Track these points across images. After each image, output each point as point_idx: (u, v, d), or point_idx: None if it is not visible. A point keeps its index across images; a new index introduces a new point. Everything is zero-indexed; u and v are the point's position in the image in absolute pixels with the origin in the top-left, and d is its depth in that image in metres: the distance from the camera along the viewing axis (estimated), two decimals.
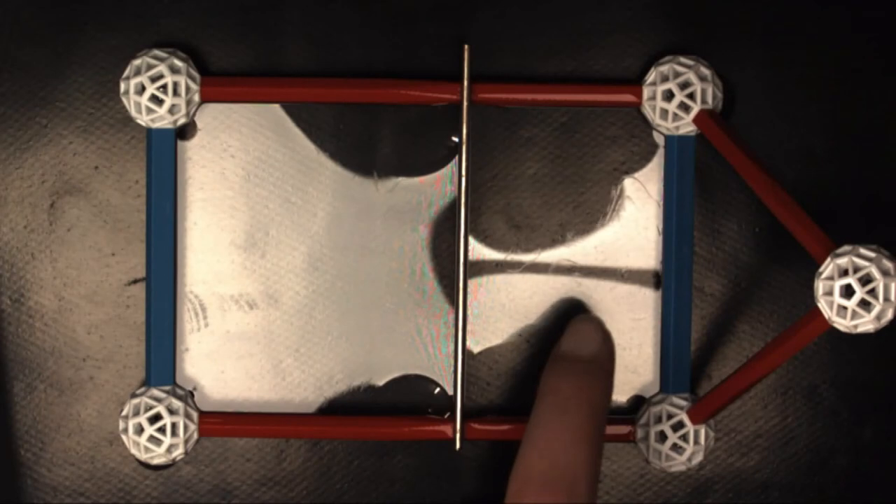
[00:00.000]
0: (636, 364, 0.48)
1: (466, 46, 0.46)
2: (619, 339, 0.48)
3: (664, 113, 0.46)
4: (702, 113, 0.46)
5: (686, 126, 0.47)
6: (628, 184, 0.48)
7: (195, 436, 0.47)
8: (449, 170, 0.47)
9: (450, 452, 0.47)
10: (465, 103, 0.46)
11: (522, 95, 0.47)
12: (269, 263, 0.48)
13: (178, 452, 0.47)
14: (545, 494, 0.41)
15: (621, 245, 0.48)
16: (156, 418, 0.47)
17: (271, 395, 0.48)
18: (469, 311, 0.47)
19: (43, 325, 0.48)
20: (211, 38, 0.47)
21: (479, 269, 0.48)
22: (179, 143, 0.47)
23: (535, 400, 0.43)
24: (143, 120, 0.46)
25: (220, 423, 0.47)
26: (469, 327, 0.47)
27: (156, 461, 0.47)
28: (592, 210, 0.48)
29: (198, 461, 0.48)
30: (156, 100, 0.46)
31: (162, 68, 0.46)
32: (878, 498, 0.48)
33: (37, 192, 0.48)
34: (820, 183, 0.47)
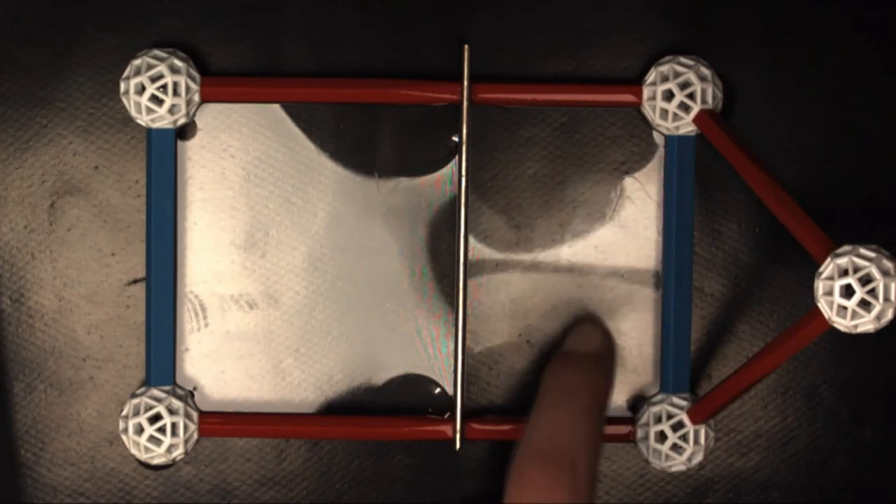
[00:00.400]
0: (636, 364, 0.48)
1: (466, 46, 0.46)
2: (619, 339, 0.48)
3: (664, 113, 0.46)
4: (702, 113, 0.46)
5: (686, 126, 0.46)
6: (628, 184, 0.48)
7: (195, 436, 0.47)
8: (449, 170, 0.47)
9: (450, 452, 0.47)
10: (465, 103, 0.46)
11: (522, 95, 0.47)
12: (269, 263, 0.48)
13: (178, 452, 0.47)
14: (546, 470, 0.41)
15: (621, 245, 0.48)
16: (156, 418, 0.47)
17: (271, 395, 0.48)
18: (469, 311, 0.47)
19: (43, 325, 0.48)
20: (211, 38, 0.47)
21: (479, 269, 0.48)
22: (179, 143, 0.47)
23: (538, 390, 0.44)
24: (143, 120, 0.46)
25: (220, 423, 0.47)
26: (469, 327, 0.47)
27: (156, 461, 0.47)
28: (592, 210, 0.48)
29: (198, 461, 0.48)
30: (156, 100, 0.46)
31: (162, 68, 0.46)
32: (878, 498, 0.48)
33: (37, 192, 0.48)
34: (820, 183, 0.47)
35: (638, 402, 0.48)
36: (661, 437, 0.47)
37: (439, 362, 0.48)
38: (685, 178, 0.47)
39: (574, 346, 0.46)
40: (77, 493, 0.48)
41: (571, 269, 0.48)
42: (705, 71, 0.46)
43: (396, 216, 0.48)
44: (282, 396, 0.48)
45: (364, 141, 0.48)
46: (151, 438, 0.47)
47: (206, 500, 0.48)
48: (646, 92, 0.47)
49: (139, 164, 0.47)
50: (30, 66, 0.47)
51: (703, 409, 0.46)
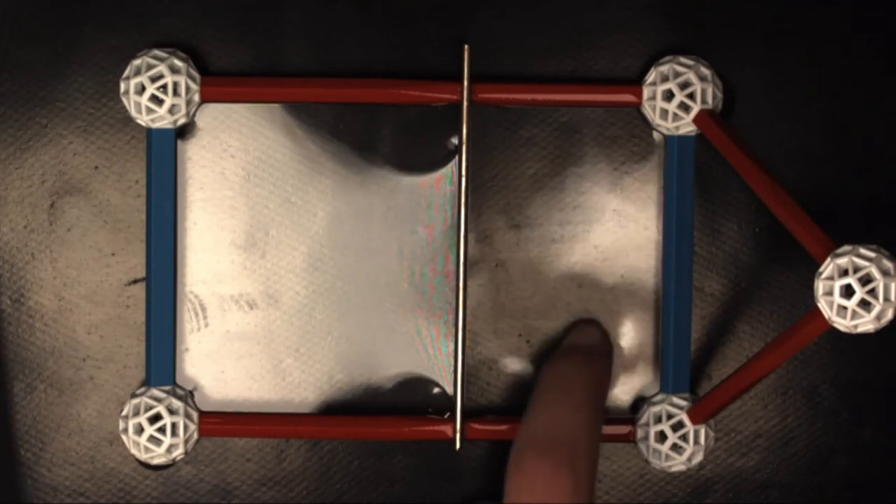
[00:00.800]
0: (636, 364, 0.48)
1: (466, 46, 0.46)
2: (619, 339, 0.48)
3: (664, 113, 0.46)
4: (702, 113, 0.46)
5: (686, 126, 0.46)
6: (628, 184, 0.48)
7: (195, 436, 0.47)
8: (449, 170, 0.47)
9: (450, 452, 0.47)
10: (465, 103, 0.46)
11: (522, 95, 0.47)
12: (269, 263, 0.48)
13: (178, 452, 0.47)
14: (545, 458, 0.41)
15: (621, 245, 0.48)
16: (156, 418, 0.47)
17: (271, 395, 0.48)
18: (469, 311, 0.47)
19: (43, 325, 0.48)
20: (211, 38, 0.47)
21: (479, 269, 0.48)
22: (179, 143, 0.47)
23: (537, 383, 0.44)
24: (143, 120, 0.46)
25: (220, 423, 0.47)
26: (469, 327, 0.47)
27: (156, 461, 0.47)
28: (592, 210, 0.48)
29: (198, 461, 0.48)
30: (156, 100, 0.46)
31: (162, 68, 0.46)
32: (878, 498, 0.48)
33: (37, 192, 0.48)
34: (820, 183, 0.47)
35: (638, 402, 0.48)
36: (661, 437, 0.47)
37: (439, 362, 0.48)
38: (685, 178, 0.47)
39: (573, 341, 0.47)
40: (77, 493, 0.48)
41: (571, 269, 0.48)
42: (705, 71, 0.46)
43: (396, 216, 0.48)
44: (282, 396, 0.48)
45: (364, 141, 0.48)
46: (151, 438, 0.47)
47: (206, 500, 0.48)
48: (646, 92, 0.47)
49: (139, 164, 0.47)
50: (30, 66, 0.47)
51: (703, 409, 0.46)
